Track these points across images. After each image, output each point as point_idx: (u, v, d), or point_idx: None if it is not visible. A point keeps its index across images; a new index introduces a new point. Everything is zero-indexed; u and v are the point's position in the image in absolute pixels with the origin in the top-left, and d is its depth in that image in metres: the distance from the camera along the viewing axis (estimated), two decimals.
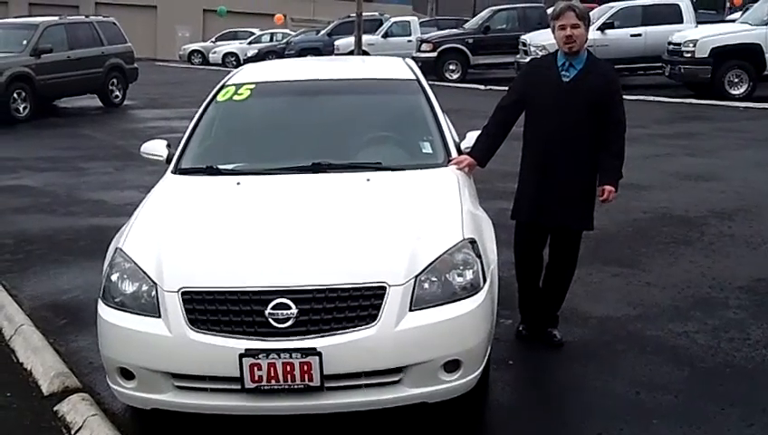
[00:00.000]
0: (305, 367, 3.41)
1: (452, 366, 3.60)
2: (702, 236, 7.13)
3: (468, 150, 4.81)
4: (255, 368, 3.41)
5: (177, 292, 3.54)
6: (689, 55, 16.29)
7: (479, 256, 3.82)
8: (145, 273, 3.68)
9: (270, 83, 5.39)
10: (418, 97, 5.17)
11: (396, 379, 3.54)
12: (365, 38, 24.31)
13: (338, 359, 3.42)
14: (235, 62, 34.67)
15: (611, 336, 5.01)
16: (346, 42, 26.24)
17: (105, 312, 3.73)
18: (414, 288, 3.56)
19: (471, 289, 3.68)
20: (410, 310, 3.52)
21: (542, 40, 19.40)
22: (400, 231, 3.83)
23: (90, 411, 4.01)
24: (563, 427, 4.04)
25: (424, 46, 22.83)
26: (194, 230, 3.98)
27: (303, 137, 4.96)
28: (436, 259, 3.66)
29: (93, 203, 9.03)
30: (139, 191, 9.44)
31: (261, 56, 32.32)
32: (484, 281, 3.76)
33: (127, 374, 3.65)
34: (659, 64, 17.96)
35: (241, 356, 3.40)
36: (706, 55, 16.04)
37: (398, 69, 5.59)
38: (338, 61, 7.53)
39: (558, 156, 4.51)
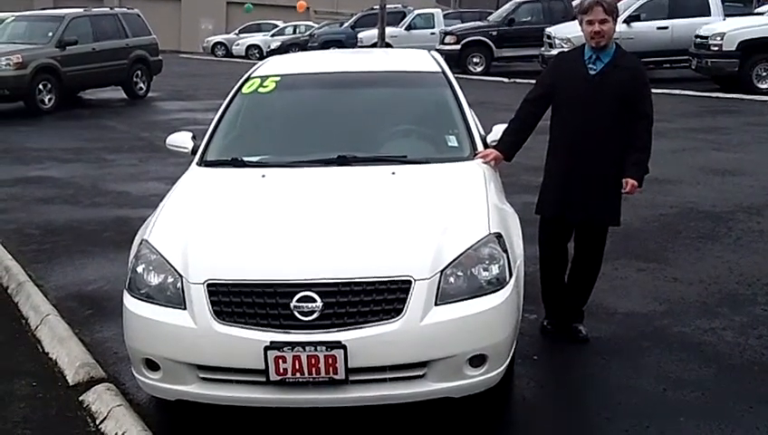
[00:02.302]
0: (330, 360, 3.40)
1: (477, 361, 3.58)
2: (729, 231, 7.05)
3: (494, 144, 4.78)
4: (280, 360, 3.40)
5: (203, 284, 3.54)
6: (716, 48, 16.10)
7: (505, 251, 3.79)
8: (171, 265, 3.68)
9: (295, 76, 5.37)
10: (444, 90, 5.14)
11: (420, 373, 3.52)
12: (388, 30, 24.28)
13: (363, 352, 3.41)
14: (258, 55, 34.75)
15: (637, 332, 4.96)
16: (369, 34, 26.21)
17: (131, 303, 3.74)
18: (439, 282, 3.53)
19: (497, 284, 3.66)
20: (436, 304, 3.50)
21: (567, 32, 19.28)
22: (426, 225, 3.81)
23: (115, 402, 4.03)
24: (589, 423, 4.00)
25: (447, 39, 22.73)
26: (219, 222, 3.98)
27: (328, 129, 4.94)
28: (462, 253, 3.64)
29: (117, 194, 9.07)
30: (163, 183, 9.51)
31: (284, 48, 32.41)
32: (510, 275, 3.73)
33: (152, 365, 3.66)
34: (686, 58, 17.76)
35: (266, 349, 3.40)
36: (734, 48, 15.85)
37: (424, 61, 5.56)
38: (363, 53, 7.49)
39: (584, 150, 4.46)
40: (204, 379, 3.58)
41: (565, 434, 3.93)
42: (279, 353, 3.40)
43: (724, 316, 5.18)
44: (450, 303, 3.53)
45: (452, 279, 3.57)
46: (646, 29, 18.75)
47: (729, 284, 5.77)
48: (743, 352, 4.67)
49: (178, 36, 44.57)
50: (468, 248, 3.67)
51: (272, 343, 3.41)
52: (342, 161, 4.53)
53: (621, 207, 4.64)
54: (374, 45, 24.04)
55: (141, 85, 18.70)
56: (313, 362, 3.40)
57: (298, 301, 3.44)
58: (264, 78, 5.25)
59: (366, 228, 3.80)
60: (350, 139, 4.81)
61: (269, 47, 33.81)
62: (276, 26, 36.85)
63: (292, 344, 3.40)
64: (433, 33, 25.70)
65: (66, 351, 4.67)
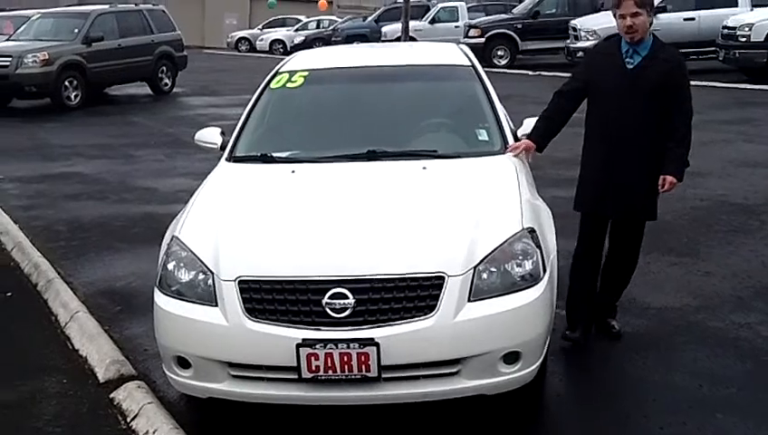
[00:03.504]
0: (363, 357, 3.36)
1: (511, 358, 3.54)
2: (762, 225, 6.93)
3: (526, 136, 4.72)
4: (312, 358, 3.37)
5: (234, 281, 3.52)
6: (744, 40, 15.88)
7: (539, 246, 3.74)
8: (201, 261, 3.66)
9: (323, 70, 5.33)
10: (474, 83, 5.08)
11: (454, 370, 3.48)
12: (412, 24, 24.16)
13: (396, 349, 3.37)
14: (281, 50, 34.82)
15: (671, 327, 4.89)
16: (393, 28, 26.12)
17: (161, 300, 3.72)
18: (473, 279, 3.49)
19: (530, 280, 3.61)
20: (469, 301, 3.46)
21: (592, 25, 19.15)
22: (458, 221, 3.77)
23: (146, 399, 4.02)
24: (625, 420, 3.93)
25: (472, 32, 22.58)
26: (250, 219, 3.96)
27: (358, 124, 4.90)
28: (495, 249, 3.59)
29: (145, 190, 9.09)
30: (190, 179, 9.54)
31: (308, 43, 32.43)
32: (544, 271, 3.68)
33: (183, 363, 3.65)
34: (713, 49, 17.53)
35: (298, 346, 3.37)
36: (762, 39, 15.63)
37: (453, 54, 5.50)
38: (391, 47, 7.44)
39: (621, 144, 4.38)
40: (235, 376, 3.55)
41: (601, 431, 3.87)
42: (311, 351, 3.37)
43: (759, 311, 5.09)
44: (484, 299, 3.48)
45: (485, 275, 3.53)
46: (672, 20, 18.49)
47: (763, 278, 5.66)
48: None
49: (202, 32, 44.69)
50: (502, 244, 3.62)
51: (304, 340, 3.38)
52: (372, 156, 4.50)
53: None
54: (398, 39, 23.93)
55: (166, 81, 18.77)
56: (346, 359, 3.37)
57: (330, 298, 3.41)
58: (292, 73, 5.22)
59: (398, 224, 3.76)
60: (380, 133, 4.77)
61: (293, 42, 33.89)
62: (300, 21, 36.85)
63: (325, 341, 3.37)
64: (457, 27, 25.57)
65: (96, 348, 4.67)
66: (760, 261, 6.00)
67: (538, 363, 3.68)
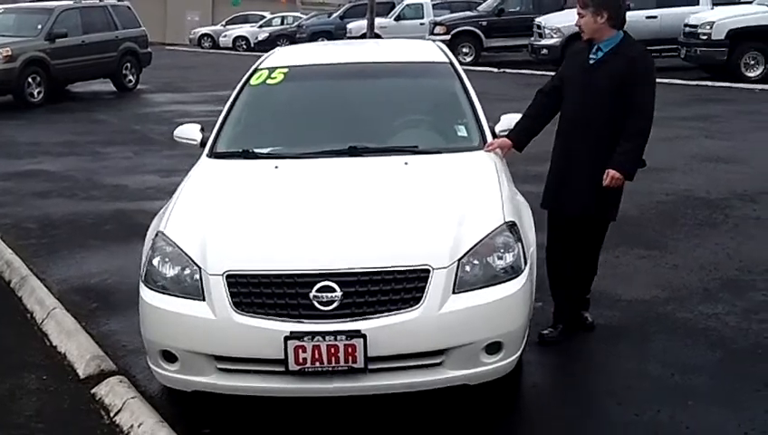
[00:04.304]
0: (350, 349, 3.42)
1: (493, 348, 3.62)
2: (726, 218, 7.11)
3: (504, 133, 4.80)
4: (300, 350, 3.42)
5: (222, 275, 3.56)
6: (706, 37, 16.18)
7: (519, 240, 3.83)
8: (188, 256, 3.69)
9: (303, 67, 5.38)
10: (452, 80, 5.16)
11: (438, 361, 3.56)
12: (377, 21, 24.15)
13: (382, 341, 3.44)
14: (245, 46, 34.67)
15: (642, 318, 5.01)
16: (358, 25, 26.14)
17: (147, 295, 3.74)
18: (457, 271, 3.57)
19: (512, 272, 3.70)
20: (453, 293, 3.54)
21: (556, 22, 19.36)
22: (442, 215, 3.84)
23: (129, 394, 4.04)
24: (600, 408, 4.04)
25: (437, 29, 22.70)
26: (236, 213, 3.99)
27: (338, 120, 4.96)
28: (479, 242, 3.67)
29: (114, 188, 9.04)
30: (159, 176, 9.54)
31: (272, 40, 32.34)
32: (525, 264, 3.77)
33: (169, 357, 3.68)
34: (674, 47, 17.83)
35: (286, 339, 3.42)
36: (723, 37, 15.94)
37: (431, 52, 5.58)
38: (370, 44, 7.50)
39: (579, 141, 4.43)
40: (222, 369, 3.60)
41: (577, 419, 3.96)
42: (299, 343, 3.42)
43: (726, 302, 5.23)
44: (467, 291, 3.57)
45: (468, 268, 3.61)
46: (635, 18, 18.53)
47: (729, 270, 5.81)
48: (746, 337, 4.72)
49: (164, 28, 44.25)
50: (485, 237, 3.70)
51: (292, 332, 3.43)
52: (354, 152, 4.55)
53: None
54: (363, 36, 23.96)
55: (131, 78, 18.61)
56: (333, 351, 3.43)
57: (317, 291, 3.47)
58: (272, 69, 5.25)
59: (383, 218, 3.83)
60: (361, 129, 4.83)
61: (256, 38, 33.75)
62: (263, 17, 36.68)
63: (312, 334, 3.42)
64: (422, 24, 25.64)
65: (75, 344, 4.67)
66: (725, 253, 6.15)
67: (518, 353, 3.78)
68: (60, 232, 7.30)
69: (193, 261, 3.67)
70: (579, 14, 4.41)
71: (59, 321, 5.00)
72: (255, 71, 5.33)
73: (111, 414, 3.94)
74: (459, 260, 3.59)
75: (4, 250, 6.44)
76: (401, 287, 3.50)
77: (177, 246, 3.77)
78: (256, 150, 4.70)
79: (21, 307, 5.43)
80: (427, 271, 3.52)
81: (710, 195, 7.89)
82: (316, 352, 3.43)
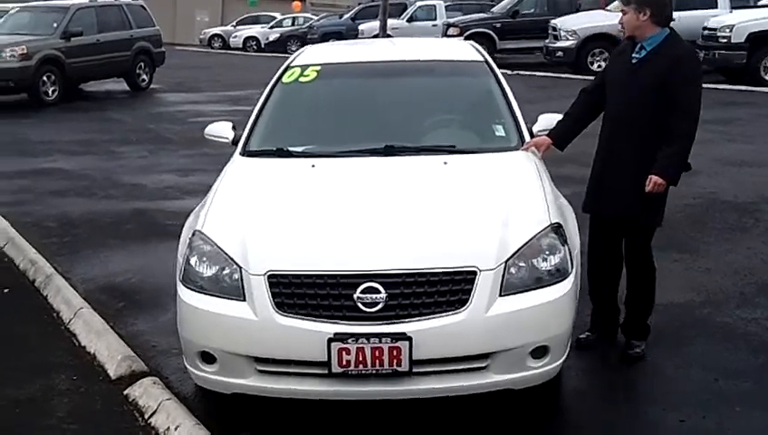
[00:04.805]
0: (394, 352, 3.34)
1: (540, 352, 3.55)
2: (757, 222, 7.00)
3: (545, 133, 4.70)
4: (344, 352, 3.35)
5: (264, 275, 3.48)
6: (725, 41, 16.04)
7: (565, 242, 3.74)
8: (228, 255, 3.61)
9: (336, 65, 5.30)
10: (488, 79, 5.07)
11: (483, 365, 3.48)
12: (389, 22, 24.10)
13: (427, 344, 3.36)
14: (255, 47, 34.62)
15: (679, 323, 4.92)
16: (370, 26, 26.05)
17: (186, 295, 3.66)
18: (504, 273, 3.49)
19: (558, 275, 3.62)
20: (500, 295, 3.45)
21: (572, 24, 19.27)
22: (487, 216, 3.76)
23: (163, 395, 3.95)
24: (643, 414, 3.94)
25: (451, 30, 22.59)
26: (275, 213, 3.91)
27: (373, 119, 4.87)
28: (525, 244, 3.59)
29: (132, 187, 8.97)
30: (177, 175, 9.48)
31: (282, 41, 32.35)
32: (572, 266, 3.68)
33: (208, 358, 3.60)
34: None
35: (329, 341, 3.34)
36: (743, 40, 15.80)
37: (466, 50, 5.50)
38: (403, 42, 7.40)
39: (622, 142, 4.28)
40: (262, 371, 3.52)
41: (622, 425, 3.88)
42: (343, 345, 3.34)
43: (764, 307, 5.13)
44: (514, 294, 3.49)
45: (515, 270, 3.53)
46: None
47: (764, 274, 5.71)
48: None
49: (173, 28, 44.22)
50: (531, 239, 3.62)
51: (335, 334, 3.35)
52: (390, 151, 4.46)
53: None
54: (376, 37, 23.88)
55: (144, 77, 18.55)
56: (377, 353, 3.35)
57: (362, 292, 3.39)
58: (304, 67, 5.16)
59: (427, 218, 3.75)
60: (396, 128, 4.74)
61: (267, 39, 33.69)
62: (274, 18, 36.64)
63: (357, 336, 3.34)
64: (435, 25, 25.56)
65: (105, 344, 4.59)
66: (759, 258, 6.05)
67: (564, 358, 3.70)
68: (80, 231, 7.23)
69: (233, 260, 3.59)
70: (622, 10, 4.30)
71: (87, 320, 4.92)
72: (287, 68, 5.24)
73: (146, 416, 3.86)
74: (506, 262, 3.51)
75: (28, 249, 6.37)
76: (447, 289, 3.42)
77: (216, 246, 3.69)
78: (291, 149, 4.61)
79: (47, 306, 5.35)
80: (474, 273, 3.44)
81: (737, 198, 7.79)
82: (360, 354, 3.35)
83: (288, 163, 4.49)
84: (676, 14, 16.17)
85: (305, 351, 3.40)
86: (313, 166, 4.34)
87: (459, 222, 3.70)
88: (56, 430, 3.83)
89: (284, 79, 5.14)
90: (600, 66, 18.74)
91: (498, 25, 22.44)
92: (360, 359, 3.35)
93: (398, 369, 3.36)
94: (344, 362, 3.35)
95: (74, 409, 4.01)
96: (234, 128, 5.12)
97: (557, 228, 3.76)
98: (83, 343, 4.73)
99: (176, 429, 3.66)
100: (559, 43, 19.49)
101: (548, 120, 4.81)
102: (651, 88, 4.16)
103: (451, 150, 4.48)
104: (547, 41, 20.17)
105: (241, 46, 35.14)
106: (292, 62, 5.36)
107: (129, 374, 4.27)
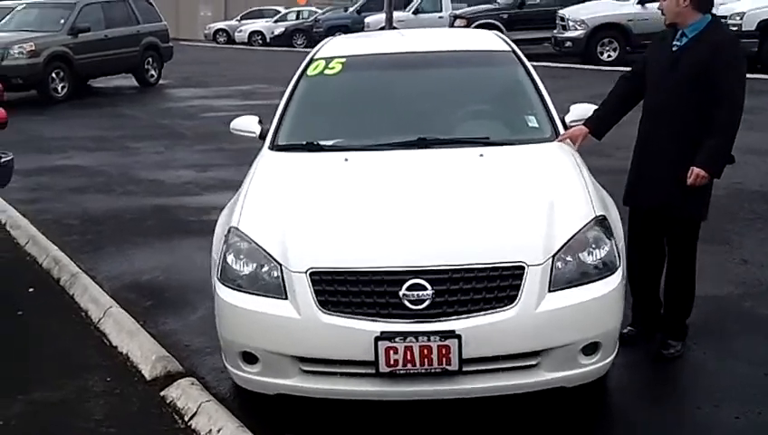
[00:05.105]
0: (444, 350, 3.26)
1: (590, 349, 3.46)
2: None
3: (579, 123, 4.60)
4: (391, 351, 3.26)
5: (306, 272, 3.39)
6: (736, 28, 15.83)
7: (611, 235, 3.65)
8: (267, 252, 3.52)
9: (362, 56, 5.18)
10: (517, 68, 4.97)
11: (533, 362, 3.39)
12: (395, 15, 23.95)
13: (477, 342, 3.27)
14: (260, 41, 34.51)
15: (721, 315, 4.83)
16: (376, 18, 25.88)
17: (225, 293, 3.57)
18: (552, 268, 3.40)
19: (605, 269, 3.53)
20: (549, 291, 3.37)
21: (581, 14, 19.09)
22: (531, 209, 3.67)
23: (203, 397, 3.87)
24: (695, 411, 3.85)
25: (458, 22, 22.45)
26: (313, 208, 3.81)
27: (403, 111, 4.76)
28: (572, 237, 3.50)
29: (150, 183, 8.89)
30: (195, 171, 9.41)
31: (288, 35, 32.24)
32: (619, 260, 3.59)
33: (250, 358, 3.51)
34: None
35: (376, 339, 3.25)
36: (754, 28, 15.67)
37: (492, 40, 5.38)
38: (427, 32, 7.26)
39: (662, 131, 4.16)
40: (306, 371, 3.44)
41: (674, 423, 3.79)
42: (390, 344, 3.26)
43: None
44: (563, 289, 3.40)
45: (563, 264, 3.44)
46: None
47: None
48: None
49: (176, 23, 44.03)
50: (577, 232, 3.54)
51: (383, 333, 3.26)
52: (423, 143, 4.37)
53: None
54: (382, 29, 23.76)
55: (153, 72, 18.47)
56: (426, 352, 3.26)
57: (407, 289, 3.30)
58: (328, 59, 5.05)
59: (470, 213, 3.65)
60: (427, 120, 4.64)
61: (272, 33, 33.58)
62: (278, 12, 36.50)
63: (405, 334, 3.26)
64: (441, 17, 25.40)
65: (137, 344, 4.52)
66: None
67: (614, 354, 3.61)
68: (102, 228, 7.16)
69: (272, 257, 3.50)
70: None
71: (117, 320, 4.84)
72: (311, 61, 5.14)
73: (186, 418, 3.77)
74: (554, 256, 3.42)
75: (50, 247, 6.30)
76: (495, 285, 3.33)
77: (254, 242, 3.60)
78: (321, 143, 4.52)
79: (74, 305, 5.27)
80: (522, 268, 3.35)
81: (763, 188, 7.69)
82: (408, 353, 3.26)
83: (320, 157, 4.39)
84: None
85: (351, 350, 3.32)
86: (346, 160, 4.25)
87: (504, 216, 3.62)
88: (94, 433, 3.75)
89: (309, 72, 5.03)
90: (609, 56, 18.67)
91: (505, 16, 22.24)
92: (409, 358, 3.26)
93: (448, 368, 3.28)
94: (392, 362, 3.27)
95: (111, 411, 3.93)
96: (260, 122, 5.03)
97: (602, 221, 3.67)
98: (114, 342, 4.65)
99: (218, 431, 3.57)
100: (567, 34, 19.31)
101: (581, 110, 4.70)
102: (693, 76, 4.04)
103: (485, 142, 4.38)
104: (555, 31, 20.00)
105: (246, 41, 35.05)
106: (315, 54, 5.26)
107: (164, 375, 4.19)
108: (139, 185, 8.79)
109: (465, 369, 3.31)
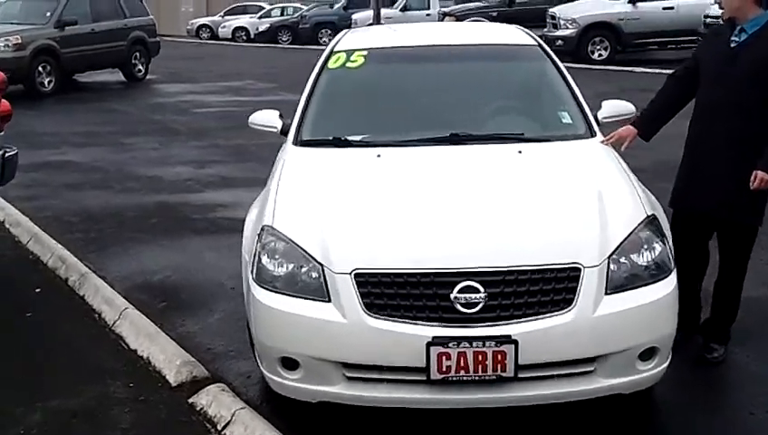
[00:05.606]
0: (499, 356, 3.11)
1: (647, 354, 3.33)
2: None
3: (610, 120, 4.48)
4: (444, 357, 3.11)
5: (350, 274, 3.22)
6: None
7: (663, 235, 3.52)
8: (306, 252, 3.35)
9: (384, 49, 5.00)
10: (546, 63, 4.82)
11: (590, 369, 3.25)
12: (383, 12, 23.81)
13: (534, 347, 3.13)
14: (245, 37, 34.20)
15: (759, 318, 4.71)
16: (364, 15, 25.75)
17: (263, 295, 3.39)
18: (608, 270, 3.26)
19: (659, 270, 3.40)
20: (606, 294, 3.22)
21: (572, 13, 19.04)
22: (582, 208, 3.53)
23: (236, 404, 3.69)
24: (747, 419, 3.72)
25: (447, 19, 22.33)
26: (351, 206, 3.63)
27: (431, 106, 4.60)
28: (627, 238, 3.37)
29: (149, 179, 8.67)
30: (193, 167, 9.21)
31: (273, 31, 31.97)
32: (672, 261, 3.46)
33: (290, 364, 3.34)
34: (690, 39, 17.58)
35: (428, 345, 3.10)
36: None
37: (517, 34, 5.21)
38: (449, 26, 7.11)
39: (716, 129, 4.00)
40: (351, 378, 3.27)
41: (728, 431, 3.67)
42: (443, 350, 3.10)
43: None
44: (620, 292, 3.26)
45: (616, 266, 3.30)
46: (651, 9, 18.50)
47: None
48: None
49: (158, 19, 43.40)
50: (631, 232, 3.40)
51: (434, 338, 3.11)
52: (455, 139, 4.22)
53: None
54: (370, 26, 23.59)
55: (140, 67, 18.18)
56: (480, 358, 3.11)
57: (459, 292, 3.14)
58: (349, 52, 4.88)
59: (519, 212, 3.50)
60: (458, 115, 4.50)
61: (257, 29, 33.29)
62: (262, 8, 36.18)
63: (458, 339, 3.10)
64: (428, 14, 25.34)
65: (159, 348, 4.33)
66: None
67: (669, 360, 3.47)
68: (105, 226, 6.93)
69: (312, 258, 3.33)
70: None
71: (134, 322, 4.65)
72: (332, 53, 4.96)
73: (219, 427, 3.59)
74: (609, 257, 3.28)
75: (55, 246, 6.07)
76: (550, 288, 3.19)
77: (292, 241, 3.42)
78: (349, 138, 4.34)
79: (86, 307, 5.05)
80: (578, 270, 3.21)
81: None
82: (462, 359, 3.11)
83: (350, 153, 4.22)
84: (674, 2, 15.81)
85: (400, 356, 3.16)
86: (379, 156, 4.08)
87: (555, 215, 3.47)
88: None
89: (330, 65, 4.85)
90: (600, 55, 18.62)
91: (494, 14, 22.15)
92: (462, 364, 3.11)
93: (503, 374, 3.13)
94: (444, 368, 3.12)
95: (138, 419, 3.74)
96: (281, 116, 4.84)
97: (653, 220, 3.54)
98: (133, 346, 4.46)
99: None
100: (558, 32, 19.22)
101: (613, 107, 4.60)
102: (753, 73, 3.87)
103: (520, 138, 4.23)
104: (546, 29, 19.90)
105: (230, 37, 34.68)
106: (335, 46, 5.07)
107: (190, 381, 4.01)
108: (138, 181, 8.57)
109: (520, 375, 3.16)
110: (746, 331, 4.52)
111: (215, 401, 3.75)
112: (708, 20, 16.50)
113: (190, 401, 3.85)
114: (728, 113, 3.95)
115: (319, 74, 4.83)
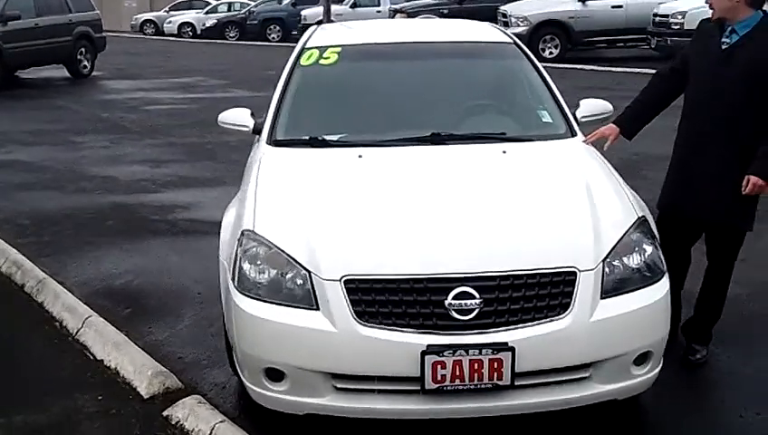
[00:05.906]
0: (495, 364, 3.01)
1: (641, 359, 3.26)
2: None
3: (589, 119, 4.42)
4: (439, 366, 3.00)
5: (340, 280, 3.08)
6: (678, 27, 16.07)
7: (654, 236, 3.46)
8: (291, 257, 3.20)
9: (358, 46, 4.87)
10: (522, 61, 4.73)
11: (585, 375, 3.17)
12: (333, 8, 23.66)
13: (531, 354, 3.03)
14: (191, 33, 33.65)
15: (738, 317, 4.67)
16: (314, 12, 25.57)
17: (246, 304, 3.22)
18: (603, 273, 3.18)
19: (651, 273, 3.33)
20: (602, 298, 3.14)
21: (523, 10, 19.09)
22: (574, 210, 3.45)
23: (215, 417, 3.52)
24: (736, 420, 3.68)
25: (397, 16, 22.27)
26: (338, 209, 3.49)
27: (409, 105, 4.47)
28: (620, 240, 3.29)
29: (103, 179, 8.37)
30: (147, 166, 8.96)
31: (220, 27, 31.50)
32: (663, 263, 3.40)
33: (275, 375, 3.19)
34: (640, 37, 17.79)
35: (423, 353, 2.98)
36: (695, 27, 15.86)
37: (493, 32, 5.12)
38: (423, 22, 6.96)
39: (708, 135, 3.91)
40: (340, 389, 3.13)
41: (717, 431, 3.63)
42: (438, 358, 2.99)
43: None
44: (614, 296, 3.19)
45: (609, 269, 3.22)
46: (601, 8, 18.63)
47: None
48: None
49: (100, 14, 42.71)
50: (624, 235, 3.33)
51: (429, 346, 2.99)
52: (437, 139, 4.10)
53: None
54: (319, 23, 23.40)
55: (86, 63, 17.69)
56: (476, 366, 3.01)
57: (454, 298, 3.03)
58: (322, 49, 4.73)
59: (511, 215, 3.41)
60: (437, 114, 4.38)
61: (203, 25, 32.78)
62: (208, 3, 35.64)
63: (454, 347, 2.99)
64: (379, 11, 25.24)
65: (128, 358, 4.13)
66: None
67: (661, 364, 3.41)
68: (59, 228, 6.65)
69: (298, 263, 3.19)
70: None
71: (99, 330, 4.44)
72: (303, 50, 4.81)
73: None
74: (604, 260, 3.20)
75: (8, 249, 5.80)
76: (546, 293, 3.10)
77: (276, 247, 3.27)
78: (327, 138, 4.20)
79: (46, 315, 4.82)
80: (574, 273, 3.13)
81: None
82: (457, 368, 3.00)
83: (330, 153, 4.07)
84: (623, 1, 15.85)
85: (394, 365, 3.04)
86: (361, 156, 3.94)
87: (548, 218, 3.38)
88: None
89: (303, 61, 4.70)
90: (551, 53, 18.71)
91: (446, 11, 22.12)
92: (457, 373, 3.00)
93: (499, 383, 3.03)
94: (439, 377, 3.00)
95: (109, 433, 3.56)
96: (253, 115, 4.67)
97: (644, 222, 3.48)
98: (99, 356, 4.25)
99: None
100: (510, 30, 19.21)
101: (591, 106, 4.54)
102: (747, 75, 3.79)
103: (502, 138, 4.14)
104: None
105: (176, 32, 34.10)
106: (306, 42, 4.92)
107: (163, 392, 3.83)
108: (92, 181, 8.27)
109: (517, 383, 3.06)
110: (723, 331, 4.48)
111: (191, 415, 3.58)
112: (657, 18, 16.72)
113: (165, 413, 3.67)
114: (719, 116, 3.87)
115: (291, 71, 4.67)
